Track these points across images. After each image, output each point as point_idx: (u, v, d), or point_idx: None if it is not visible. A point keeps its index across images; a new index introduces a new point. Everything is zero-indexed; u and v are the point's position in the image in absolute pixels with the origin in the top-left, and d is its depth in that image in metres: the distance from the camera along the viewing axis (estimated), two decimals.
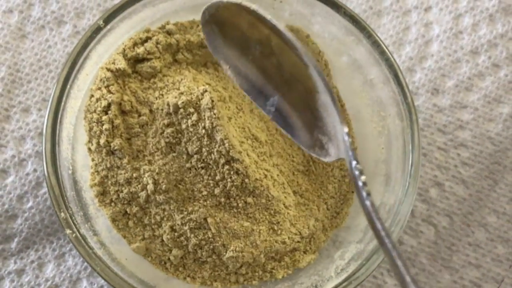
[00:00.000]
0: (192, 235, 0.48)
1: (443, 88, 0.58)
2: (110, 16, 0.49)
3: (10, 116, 0.55)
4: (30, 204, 0.54)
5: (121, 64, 0.50)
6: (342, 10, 0.50)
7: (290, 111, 0.48)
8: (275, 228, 0.50)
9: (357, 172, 0.42)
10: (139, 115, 0.50)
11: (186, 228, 0.48)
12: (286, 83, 0.47)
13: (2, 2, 0.56)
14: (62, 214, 0.47)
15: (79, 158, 0.50)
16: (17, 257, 0.54)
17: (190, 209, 0.48)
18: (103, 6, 0.57)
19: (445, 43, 0.58)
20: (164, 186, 0.48)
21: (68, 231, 0.47)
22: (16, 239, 0.54)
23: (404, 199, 0.49)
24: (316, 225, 0.52)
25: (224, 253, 0.49)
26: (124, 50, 0.50)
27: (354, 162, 0.42)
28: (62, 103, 0.48)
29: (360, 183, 0.41)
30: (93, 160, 0.50)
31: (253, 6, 0.45)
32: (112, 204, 0.50)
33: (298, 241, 0.51)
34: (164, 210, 0.49)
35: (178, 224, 0.48)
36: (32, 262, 0.54)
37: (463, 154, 0.57)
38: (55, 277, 0.54)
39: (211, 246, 0.49)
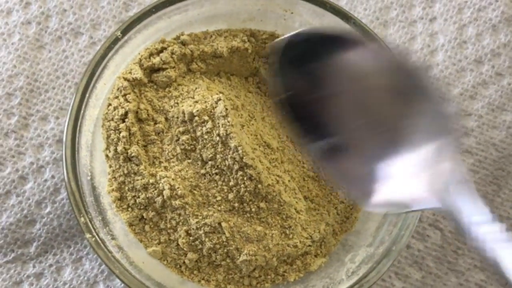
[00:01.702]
0: (207, 239, 0.49)
1: (448, 96, 0.59)
2: (127, 28, 0.50)
3: (28, 124, 0.56)
4: (48, 209, 0.55)
5: (138, 73, 0.50)
6: (351, 20, 0.51)
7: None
8: (287, 232, 0.51)
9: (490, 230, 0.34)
10: (155, 123, 0.50)
11: (201, 232, 0.49)
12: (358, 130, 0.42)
13: (21, 14, 0.57)
14: (82, 219, 0.48)
15: (97, 165, 0.51)
16: (36, 261, 0.55)
17: (205, 213, 0.49)
18: (119, 18, 0.58)
19: (450, 52, 0.59)
20: (179, 191, 0.49)
21: (88, 235, 0.48)
22: (35, 244, 0.55)
23: None
24: (326, 229, 0.52)
25: (238, 257, 0.50)
26: (141, 60, 0.51)
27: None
28: (81, 112, 0.49)
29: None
30: (110, 166, 0.50)
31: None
32: (129, 209, 0.50)
33: (309, 245, 0.52)
34: (179, 215, 0.49)
35: (193, 229, 0.49)
36: (51, 266, 0.55)
37: (468, 161, 0.58)
38: (73, 280, 0.55)
39: (225, 250, 0.49)
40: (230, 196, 0.50)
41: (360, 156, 0.43)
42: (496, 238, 0.34)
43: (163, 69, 0.51)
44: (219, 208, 0.50)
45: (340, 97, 0.43)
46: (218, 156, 0.49)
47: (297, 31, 0.44)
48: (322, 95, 0.43)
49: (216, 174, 0.50)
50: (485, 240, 0.34)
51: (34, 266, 0.55)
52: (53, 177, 0.56)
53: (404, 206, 0.41)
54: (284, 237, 0.51)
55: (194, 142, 0.50)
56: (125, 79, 0.50)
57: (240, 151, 0.48)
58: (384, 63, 0.42)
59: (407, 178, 0.40)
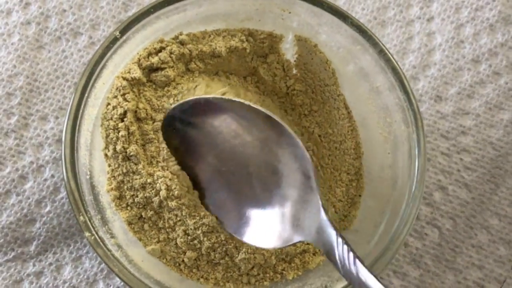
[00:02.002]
0: (205, 239, 0.49)
1: (446, 95, 0.59)
2: (126, 28, 0.50)
3: (28, 124, 0.57)
4: (48, 208, 0.56)
5: (137, 73, 0.50)
6: (349, 20, 0.51)
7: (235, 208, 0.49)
8: None
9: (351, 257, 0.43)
10: (154, 122, 0.51)
11: (199, 232, 0.49)
12: (238, 180, 0.49)
13: (20, 15, 0.58)
14: (81, 218, 0.48)
15: (96, 164, 0.51)
16: (36, 260, 0.55)
17: (202, 213, 0.49)
18: (118, 18, 0.58)
19: (447, 52, 0.59)
20: (176, 192, 0.49)
21: (87, 234, 0.48)
22: (34, 243, 0.55)
23: (411, 202, 0.49)
24: None
25: (237, 255, 0.50)
26: (139, 59, 0.51)
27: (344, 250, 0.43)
28: (80, 111, 0.49)
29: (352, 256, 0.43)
30: (109, 165, 0.50)
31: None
32: (128, 208, 0.50)
33: (308, 243, 0.52)
34: (176, 215, 0.49)
35: (191, 229, 0.49)
36: (50, 264, 0.55)
37: (465, 159, 0.58)
38: (73, 279, 0.55)
39: (224, 248, 0.50)
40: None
41: (237, 201, 0.49)
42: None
43: (162, 69, 0.51)
44: None
45: (220, 154, 0.49)
46: None
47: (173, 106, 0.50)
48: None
49: None
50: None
51: (34, 265, 0.55)
52: (52, 176, 0.56)
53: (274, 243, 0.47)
54: None
55: None
56: (124, 78, 0.50)
57: None
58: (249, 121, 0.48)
59: (276, 220, 0.48)
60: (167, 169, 0.50)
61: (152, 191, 0.49)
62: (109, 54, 0.50)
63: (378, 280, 0.41)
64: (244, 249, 0.50)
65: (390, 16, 0.60)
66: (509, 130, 0.58)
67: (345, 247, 0.43)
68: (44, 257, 0.55)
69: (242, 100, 0.49)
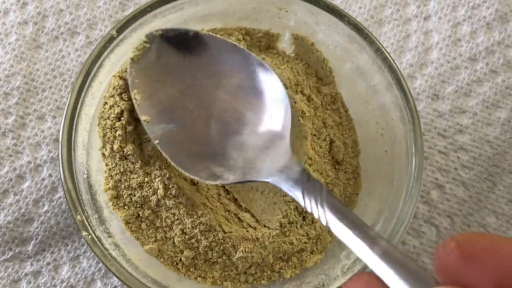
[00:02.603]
0: (203, 237, 0.49)
1: (443, 94, 0.59)
2: (123, 26, 0.50)
3: (26, 124, 0.57)
4: (45, 208, 0.56)
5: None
6: (346, 19, 0.51)
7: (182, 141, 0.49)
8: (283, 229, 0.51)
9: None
10: None
11: (196, 231, 0.49)
12: (196, 118, 0.49)
13: (17, 14, 0.58)
14: (78, 217, 0.48)
15: (94, 163, 0.51)
16: (34, 259, 0.55)
17: (199, 212, 0.49)
18: (115, 17, 0.58)
19: (444, 50, 0.59)
20: (174, 191, 0.49)
21: (84, 233, 0.48)
22: (32, 242, 0.55)
23: (408, 200, 0.49)
24: (322, 226, 0.52)
25: (234, 254, 0.50)
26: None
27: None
28: (77, 110, 0.49)
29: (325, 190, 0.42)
30: (107, 165, 0.51)
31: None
32: (126, 207, 0.50)
33: (305, 242, 0.52)
34: (174, 214, 0.49)
35: (188, 228, 0.49)
36: (48, 264, 0.55)
37: (462, 157, 0.58)
38: (70, 278, 0.55)
39: (221, 247, 0.50)
40: (224, 195, 0.50)
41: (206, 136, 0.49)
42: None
43: None
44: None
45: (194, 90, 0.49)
46: None
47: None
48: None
49: None
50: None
51: (32, 264, 0.55)
52: (50, 176, 0.56)
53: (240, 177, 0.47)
54: (280, 234, 0.51)
55: None
56: (121, 77, 0.51)
57: None
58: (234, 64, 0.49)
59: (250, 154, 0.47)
60: (164, 169, 0.50)
61: (150, 190, 0.49)
62: (106, 53, 0.50)
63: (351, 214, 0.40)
64: (241, 248, 0.50)
65: (387, 14, 0.60)
66: (506, 128, 0.58)
67: (317, 184, 0.42)
68: (42, 257, 0.55)
69: (232, 41, 0.49)
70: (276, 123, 0.47)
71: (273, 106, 0.47)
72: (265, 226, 0.51)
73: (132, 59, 0.50)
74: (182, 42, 0.50)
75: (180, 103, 0.49)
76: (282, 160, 0.45)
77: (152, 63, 0.50)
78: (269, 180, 0.45)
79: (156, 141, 0.48)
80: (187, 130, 0.49)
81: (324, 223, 0.40)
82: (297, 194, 0.43)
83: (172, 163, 0.48)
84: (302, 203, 0.43)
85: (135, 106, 0.49)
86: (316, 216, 0.41)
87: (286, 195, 0.51)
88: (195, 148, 0.48)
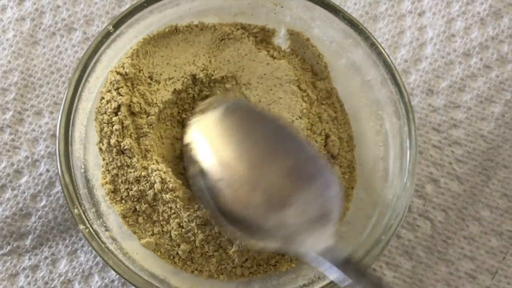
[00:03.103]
0: (199, 231, 0.49)
1: (437, 89, 0.59)
2: (119, 22, 0.50)
3: (23, 119, 0.57)
4: (43, 202, 0.56)
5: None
6: (341, 14, 0.51)
7: None
8: None
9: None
10: (148, 116, 0.51)
11: (193, 224, 0.49)
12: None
13: (15, 11, 0.58)
14: (76, 211, 0.48)
15: (91, 158, 0.51)
16: (32, 254, 0.56)
17: (196, 206, 0.49)
18: (111, 14, 0.59)
19: (439, 46, 0.60)
20: (171, 185, 0.49)
21: (81, 227, 0.48)
22: (30, 237, 0.56)
23: (402, 194, 0.50)
24: None
25: (230, 248, 0.50)
26: (133, 54, 0.52)
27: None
28: (74, 105, 0.50)
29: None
30: (104, 159, 0.51)
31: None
32: (123, 201, 0.51)
33: None
34: (171, 208, 0.50)
35: (185, 221, 0.49)
36: (46, 258, 0.56)
37: (457, 152, 0.58)
38: (68, 272, 0.56)
39: (218, 241, 0.50)
40: None
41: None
42: None
43: None
44: None
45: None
46: None
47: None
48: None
49: None
50: None
51: (29, 259, 0.56)
52: (48, 171, 0.56)
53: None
54: None
55: None
56: (118, 73, 0.51)
57: None
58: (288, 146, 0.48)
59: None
60: (161, 163, 0.50)
61: (147, 184, 0.49)
62: (102, 48, 0.50)
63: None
64: (237, 242, 0.50)
65: (382, 10, 0.60)
66: (500, 123, 0.58)
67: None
68: (40, 251, 0.56)
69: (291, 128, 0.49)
70: (327, 206, 0.46)
71: (326, 191, 0.47)
72: None
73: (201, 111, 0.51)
74: (246, 113, 0.50)
75: (234, 163, 0.48)
76: (327, 242, 0.45)
77: (214, 120, 0.50)
78: (309, 256, 0.45)
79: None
80: (237, 186, 0.48)
81: None
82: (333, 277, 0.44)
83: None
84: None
85: (187, 153, 0.50)
86: None
87: None
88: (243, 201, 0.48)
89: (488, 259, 0.57)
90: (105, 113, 0.50)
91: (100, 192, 0.51)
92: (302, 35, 0.55)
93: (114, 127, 0.50)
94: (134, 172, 0.50)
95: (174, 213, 0.50)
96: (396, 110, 0.51)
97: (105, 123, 0.50)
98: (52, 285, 0.55)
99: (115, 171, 0.50)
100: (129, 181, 0.50)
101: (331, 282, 0.49)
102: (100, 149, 0.51)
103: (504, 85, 0.59)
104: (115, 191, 0.51)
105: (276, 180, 0.47)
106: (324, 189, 0.47)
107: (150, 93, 0.51)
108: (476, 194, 0.58)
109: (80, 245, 0.56)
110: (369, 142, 0.54)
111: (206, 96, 0.54)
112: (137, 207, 0.50)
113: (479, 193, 0.58)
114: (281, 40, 0.56)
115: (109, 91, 0.51)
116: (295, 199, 0.46)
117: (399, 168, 0.51)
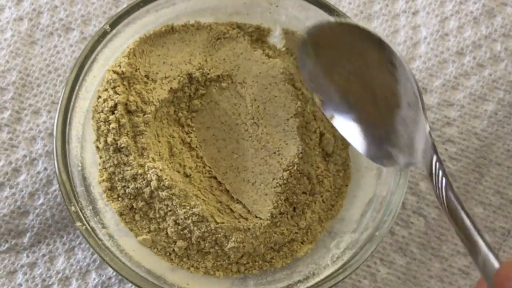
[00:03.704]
0: (195, 228, 0.50)
1: (431, 87, 0.60)
2: (116, 21, 0.51)
3: (21, 118, 0.57)
4: (41, 201, 0.56)
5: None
6: (335, 13, 0.52)
7: (362, 128, 0.50)
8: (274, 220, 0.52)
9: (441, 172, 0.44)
10: (144, 114, 0.51)
11: (189, 221, 0.50)
12: (366, 101, 0.50)
13: (13, 11, 0.58)
14: (73, 208, 0.49)
15: (88, 156, 0.51)
16: (29, 251, 0.56)
17: (192, 203, 0.50)
18: (109, 13, 0.59)
19: (432, 44, 0.60)
20: (167, 182, 0.49)
21: (78, 224, 0.49)
22: (28, 234, 0.56)
23: (396, 190, 0.50)
24: (312, 217, 0.53)
25: (226, 244, 0.50)
26: (129, 53, 0.52)
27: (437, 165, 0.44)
28: (71, 104, 0.50)
29: (445, 181, 0.43)
30: (101, 157, 0.51)
31: (362, 25, 0.48)
32: (120, 199, 0.51)
33: (296, 232, 0.53)
34: (167, 205, 0.50)
35: (181, 218, 0.50)
36: (44, 255, 0.56)
37: (450, 149, 0.59)
38: (66, 270, 0.56)
39: (214, 238, 0.50)
40: (217, 185, 0.51)
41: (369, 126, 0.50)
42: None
43: None
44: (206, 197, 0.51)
45: (349, 77, 0.50)
46: None
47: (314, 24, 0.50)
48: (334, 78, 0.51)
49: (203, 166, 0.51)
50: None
51: (27, 256, 0.56)
52: (45, 169, 0.57)
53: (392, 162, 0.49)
54: (271, 225, 0.52)
55: None
56: (114, 72, 0.51)
57: None
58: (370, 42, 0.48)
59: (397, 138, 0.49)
60: (158, 161, 0.50)
61: (143, 182, 0.50)
62: (99, 47, 0.51)
63: (464, 211, 0.42)
64: (233, 238, 0.50)
65: (376, 10, 0.60)
66: (493, 120, 0.59)
67: (440, 172, 0.44)
68: (38, 249, 0.56)
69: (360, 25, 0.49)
70: (412, 109, 0.47)
71: (408, 95, 0.47)
72: (256, 217, 0.52)
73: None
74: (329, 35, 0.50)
75: (345, 88, 0.50)
76: (423, 138, 0.46)
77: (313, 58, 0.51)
78: (419, 164, 0.47)
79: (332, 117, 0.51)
80: (358, 110, 0.50)
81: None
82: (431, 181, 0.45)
83: (351, 143, 0.51)
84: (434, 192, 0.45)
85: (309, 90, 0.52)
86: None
87: (277, 186, 0.51)
88: (369, 129, 0.50)
89: None
90: (102, 111, 0.51)
91: (97, 190, 0.51)
92: (297, 34, 0.55)
93: (111, 126, 0.50)
94: (130, 170, 0.50)
95: (170, 210, 0.50)
96: None
97: (102, 121, 0.50)
98: (50, 282, 0.56)
99: (112, 169, 0.51)
100: (125, 178, 0.50)
101: (326, 278, 0.50)
102: (97, 147, 0.51)
103: (497, 84, 0.59)
104: (112, 188, 0.51)
105: (381, 88, 0.49)
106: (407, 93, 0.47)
107: (146, 92, 0.52)
108: (469, 191, 0.58)
109: (77, 242, 0.56)
110: None
111: (202, 95, 0.54)
112: (134, 204, 0.51)
113: (472, 190, 0.58)
114: (276, 39, 0.56)
115: (106, 90, 0.51)
116: (398, 104, 0.48)
117: None
